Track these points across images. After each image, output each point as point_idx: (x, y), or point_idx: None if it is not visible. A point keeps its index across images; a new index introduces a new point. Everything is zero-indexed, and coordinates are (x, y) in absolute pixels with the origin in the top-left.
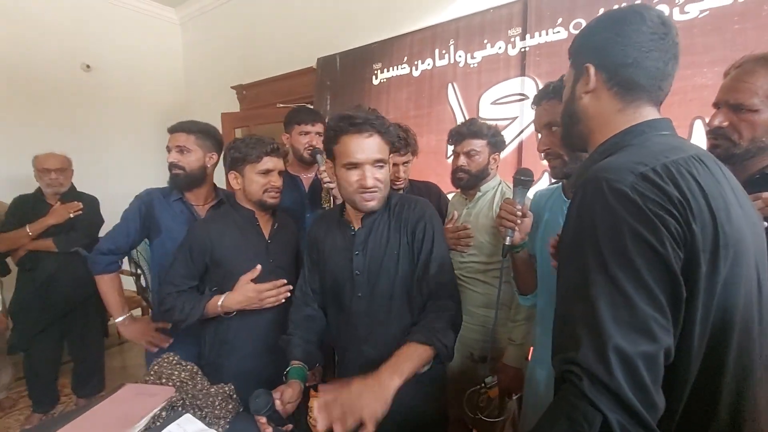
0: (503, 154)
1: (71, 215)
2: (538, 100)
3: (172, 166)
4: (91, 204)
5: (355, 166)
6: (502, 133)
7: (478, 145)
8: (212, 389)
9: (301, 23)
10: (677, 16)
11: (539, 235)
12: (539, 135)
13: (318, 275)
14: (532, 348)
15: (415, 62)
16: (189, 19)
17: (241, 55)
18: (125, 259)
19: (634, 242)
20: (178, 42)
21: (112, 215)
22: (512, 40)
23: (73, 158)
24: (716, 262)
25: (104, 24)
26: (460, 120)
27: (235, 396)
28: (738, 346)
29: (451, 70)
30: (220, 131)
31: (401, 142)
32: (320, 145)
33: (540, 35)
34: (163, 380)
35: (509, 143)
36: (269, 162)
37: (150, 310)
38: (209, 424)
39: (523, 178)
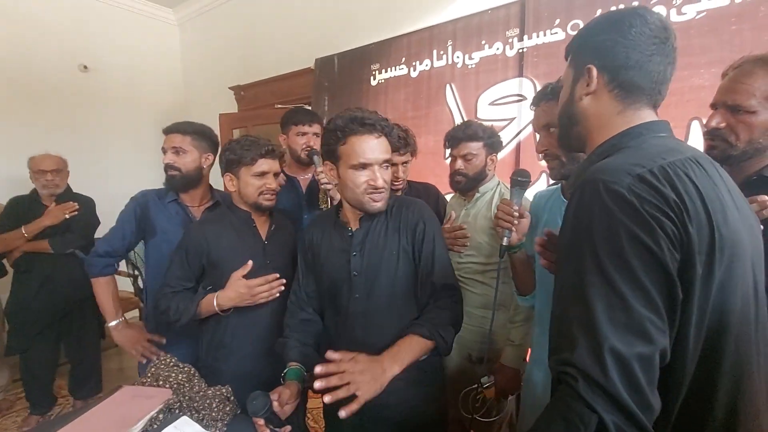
0: (501, 154)
1: (67, 216)
2: (536, 102)
3: (168, 167)
4: (86, 205)
5: (364, 166)
6: (500, 133)
7: (475, 147)
8: (209, 391)
9: (300, 24)
10: (674, 17)
11: (538, 235)
12: (538, 136)
13: (313, 278)
14: (530, 349)
15: (413, 63)
16: (187, 19)
17: (239, 55)
18: (123, 261)
19: (630, 244)
20: (176, 43)
21: (110, 216)
22: (510, 41)
23: (71, 159)
24: (712, 264)
25: (102, 25)
26: (458, 121)
27: (232, 398)
28: (734, 348)
29: (449, 71)
30: (219, 132)
31: (401, 141)
32: (317, 146)
33: (538, 36)
34: (160, 382)
35: (507, 144)
36: (264, 164)
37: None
38: (206, 427)
39: (520, 179)
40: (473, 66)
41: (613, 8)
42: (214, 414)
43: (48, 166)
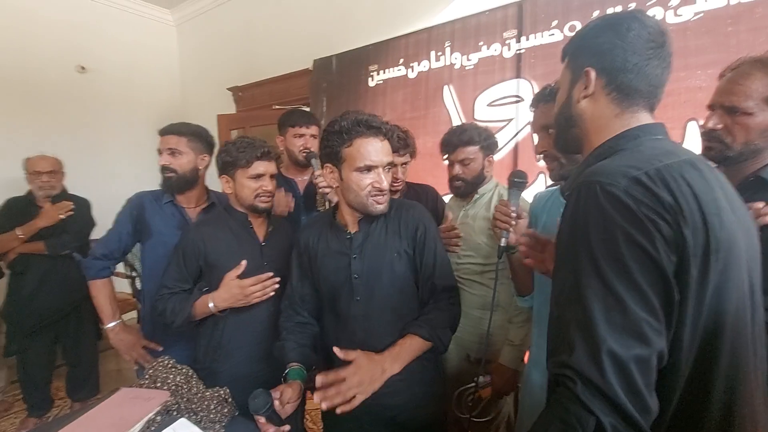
0: (499, 155)
1: (62, 216)
2: (535, 103)
3: (163, 168)
4: (82, 206)
5: (369, 169)
6: (498, 134)
7: (472, 152)
8: (207, 393)
9: (298, 25)
10: (671, 18)
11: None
12: (537, 137)
13: (308, 282)
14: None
15: (411, 64)
16: (185, 20)
17: (237, 56)
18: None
19: (627, 246)
20: (174, 43)
21: (107, 218)
22: (508, 42)
23: (68, 160)
24: (707, 266)
25: (99, 25)
26: (456, 122)
27: (230, 400)
28: (730, 349)
29: (447, 72)
30: (217, 133)
31: (401, 142)
32: (315, 148)
33: (535, 37)
34: (158, 384)
35: (505, 145)
36: (260, 166)
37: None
38: (204, 428)
39: (517, 180)
40: (471, 67)
41: (610, 10)
42: (212, 416)
43: (44, 167)
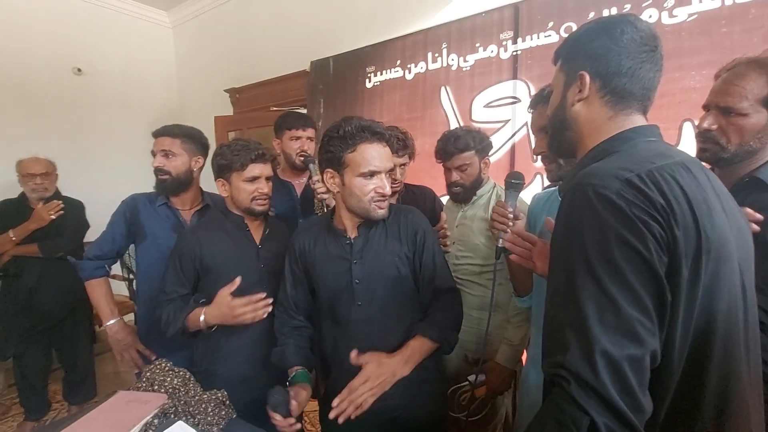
0: (496, 156)
1: (53, 216)
2: (533, 105)
3: (157, 170)
4: (76, 209)
5: (372, 174)
6: (495, 135)
7: (468, 157)
8: (205, 396)
9: (295, 26)
10: (666, 19)
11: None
12: (534, 138)
13: (302, 287)
14: (526, 350)
15: (408, 65)
16: (182, 22)
17: (234, 58)
18: (118, 265)
19: (619, 247)
20: (171, 45)
21: (102, 220)
22: (504, 43)
23: (65, 163)
24: (698, 267)
25: (96, 28)
26: (453, 123)
27: (228, 402)
28: (723, 350)
29: (443, 73)
30: (214, 134)
31: (399, 143)
32: (311, 150)
33: (531, 39)
34: (156, 387)
35: (502, 146)
36: (255, 169)
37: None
38: (202, 431)
39: (514, 181)
40: (468, 68)
41: (606, 12)
42: (209, 418)
43: (37, 169)
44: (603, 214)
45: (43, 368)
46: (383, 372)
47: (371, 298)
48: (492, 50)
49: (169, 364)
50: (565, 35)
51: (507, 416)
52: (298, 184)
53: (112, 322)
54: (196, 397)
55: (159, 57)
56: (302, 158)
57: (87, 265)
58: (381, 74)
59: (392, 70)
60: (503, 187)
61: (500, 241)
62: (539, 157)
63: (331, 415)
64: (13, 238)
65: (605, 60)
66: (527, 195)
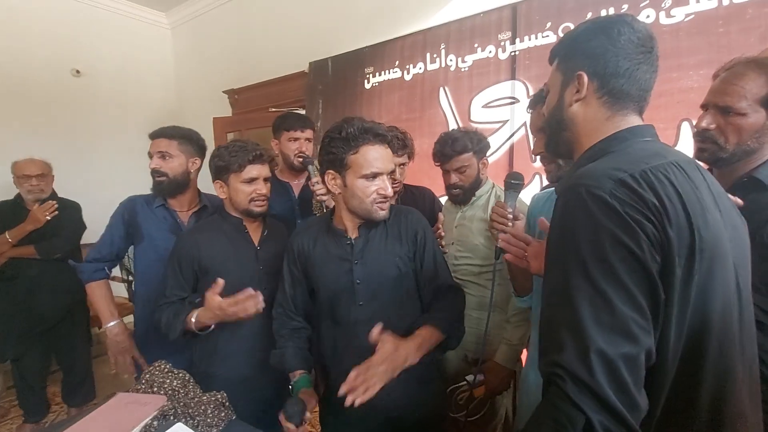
0: (495, 156)
1: (48, 217)
2: (533, 105)
3: (154, 172)
4: (72, 210)
5: (375, 176)
6: (494, 135)
7: (466, 159)
8: (204, 397)
9: (293, 27)
10: (664, 19)
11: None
12: (534, 139)
13: (301, 288)
14: (527, 350)
15: (407, 66)
16: (180, 23)
17: (233, 59)
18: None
19: (613, 246)
20: (169, 47)
21: (100, 222)
22: (502, 44)
23: (63, 164)
24: (691, 266)
25: (94, 29)
26: (452, 123)
27: (227, 404)
28: (718, 349)
29: (442, 74)
30: (213, 136)
31: (399, 143)
32: (309, 151)
33: (529, 39)
34: (155, 389)
35: (500, 146)
36: (253, 170)
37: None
38: None
39: (513, 182)
40: (466, 69)
41: (604, 12)
42: (209, 420)
43: (32, 170)
44: (597, 215)
45: (41, 370)
46: (398, 356)
47: (372, 298)
48: (490, 51)
49: (168, 366)
50: None
51: (507, 416)
52: (296, 184)
53: (112, 323)
54: (196, 399)
55: (157, 58)
56: (301, 159)
57: (86, 268)
58: (380, 75)
59: (391, 70)
60: (502, 187)
61: (500, 241)
62: (538, 157)
63: (343, 389)
64: (10, 240)
65: (603, 60)
66: (526, 195)
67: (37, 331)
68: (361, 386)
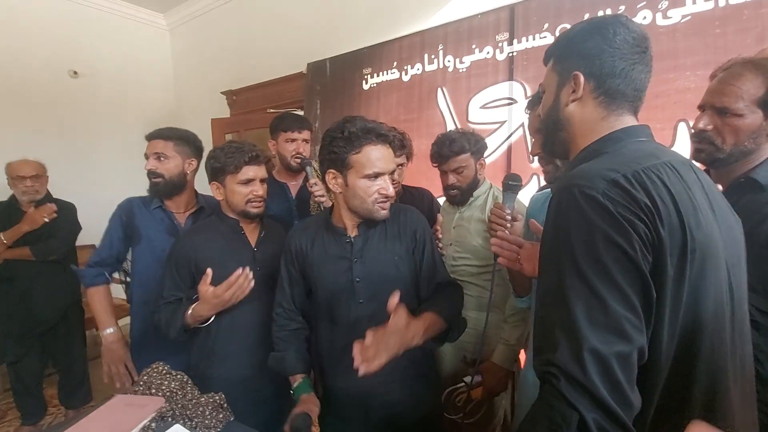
0: (493, 157)
1: (46, 220)
2: (531, 106)
3: (150, 173)
4: (68, 211)
5: (377, 176)
6: (492, 136)
7: (464, 159)
8: (202, 399)
9: (291, 28)
10: (660, 20)
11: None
12: (532, 139)
13: (299, 287)
14: (525, 351)
15: (405, 67)
16: (178, 24)
17: (231, 60)
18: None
19: (606, 246)
20: (168, 48)
21: (98, 223)
22: (500, 45)
23: (60, 165)
24: (683, 266)
25: (92, 30)
26: (450, 124)
27: (225, 405)
28: (710, 348)
29: (440, 75)
30: (211, 137)
31: (397, 143)
32: (307, 152)
33: (527, 40)
34: (153, 390)
35: (498, 147)
36: (249, 171)
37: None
38: None
39: (511, 183)
40: (464, 70)
41: (600, 13)
42: (207, 422)
43: (27, 171)
44: (590, 215)
45: (38, 372)
46: (408, 332)
47: (372, 295)
48: (488, 52)
49: (166, 368)
50: None
51: (506, 417)
52: (294, 185)
53: (109, 331)
54: (194, 401)
55: (155, 59)
56: (298, 160)
57: (87, 273)
58: (378, 76)
59: (389, 71)
60: (500, 188)
61: (492, 245)
62: (536, 158)
63: (356, 353)
64: (5, 241)
65: (599, 61)
66: (524, 196)
67: (34, 332)
68: (373, 356)
